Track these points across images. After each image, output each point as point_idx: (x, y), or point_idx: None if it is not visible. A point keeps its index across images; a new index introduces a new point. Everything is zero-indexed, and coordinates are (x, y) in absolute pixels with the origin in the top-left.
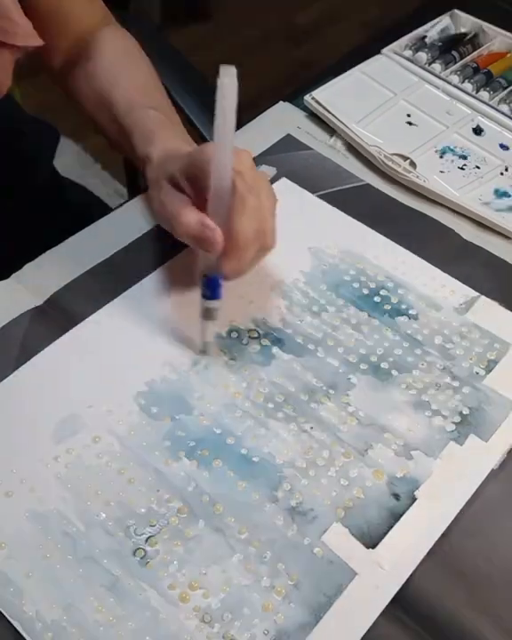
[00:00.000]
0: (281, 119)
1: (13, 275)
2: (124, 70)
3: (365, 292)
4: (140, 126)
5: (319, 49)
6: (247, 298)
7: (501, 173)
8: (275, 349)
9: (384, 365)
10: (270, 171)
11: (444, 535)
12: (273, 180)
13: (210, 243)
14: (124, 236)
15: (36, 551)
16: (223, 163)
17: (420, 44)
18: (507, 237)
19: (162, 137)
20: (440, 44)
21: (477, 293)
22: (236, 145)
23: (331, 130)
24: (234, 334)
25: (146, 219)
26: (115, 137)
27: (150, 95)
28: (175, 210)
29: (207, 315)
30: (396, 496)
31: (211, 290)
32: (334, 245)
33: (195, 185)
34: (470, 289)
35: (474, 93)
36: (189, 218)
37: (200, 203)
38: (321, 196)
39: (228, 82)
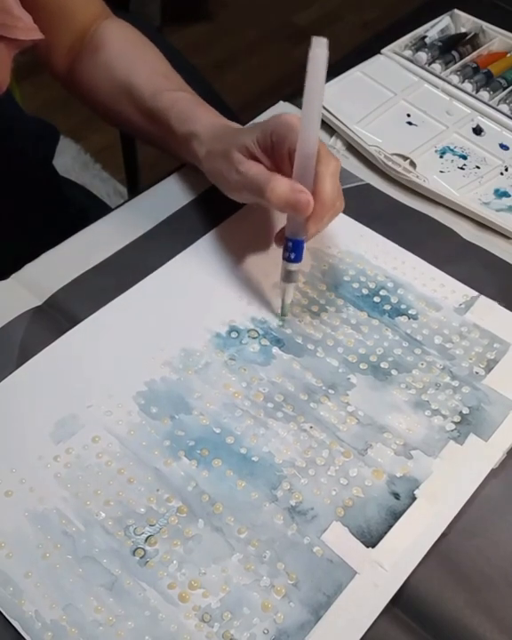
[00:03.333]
0: None
1: (13, 275)
2: (139, 57)
3: (365, 292)
4: (175, 108)
5: None
6: (247, 298)
7: (501, 173)
8: (274, 349)
9: (384, 365)
10: None
11: (443, 535)
12: None
13: (304, 206)
14: (123, 236)
15: (36, 551)
16: (311, 129)
17: (420, 44)
18: (507, 237)
19: (203, 114)
20: (440, 43)
21: (477, 293)
22: None
23: (331, 130)
24: (233, 334)
25: (146, 218)
26: (138, 123)
27: (171, 79)
28: (264, 178)
29: (289, 277)
30: (396, 495)
31: (296, 252)
32: (334, 245)
33: (273, 153)
34: (470, 289)
35: (474, 93)
36: (281, 184)
37: (276, 170)
38: None
39: (319, 52)
